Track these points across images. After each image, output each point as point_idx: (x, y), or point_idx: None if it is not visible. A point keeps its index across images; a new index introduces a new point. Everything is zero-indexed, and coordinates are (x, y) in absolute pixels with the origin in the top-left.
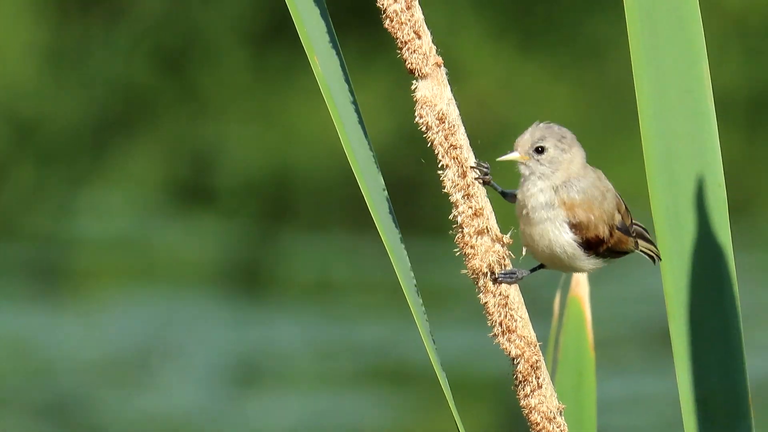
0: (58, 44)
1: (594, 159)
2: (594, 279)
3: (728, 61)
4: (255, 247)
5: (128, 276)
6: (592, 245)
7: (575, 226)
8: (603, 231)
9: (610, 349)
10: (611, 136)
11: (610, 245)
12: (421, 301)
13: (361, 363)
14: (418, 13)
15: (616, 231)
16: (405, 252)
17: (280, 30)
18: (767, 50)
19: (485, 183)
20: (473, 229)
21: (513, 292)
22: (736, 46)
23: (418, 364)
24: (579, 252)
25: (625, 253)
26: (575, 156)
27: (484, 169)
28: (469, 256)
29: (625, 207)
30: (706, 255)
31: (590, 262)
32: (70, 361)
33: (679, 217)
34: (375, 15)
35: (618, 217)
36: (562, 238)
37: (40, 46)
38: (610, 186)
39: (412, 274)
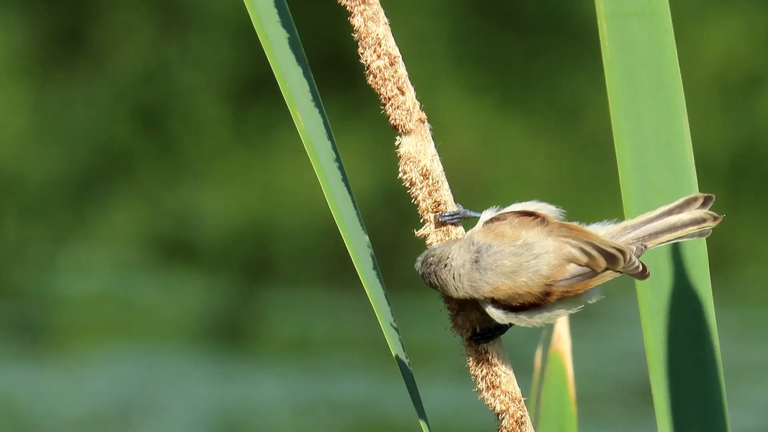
0: (39, 101)
1: (572, 215)
2: (575, 335)
3: (708, 118)
4: (236, 304)
5: (109, 332)
6: (527, 307)
7: (497, 302)
8: (531, 297)
9: (591, 404)
10: (589, 193)
11: (553, 300)
12: (406, 355)
13: (341, 419)
14: (402, 69)
15: (559, 286)
16: (389, 308)
17: (260, 87)
18: (747, 107)
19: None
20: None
21: (496, 347)
22: (717, 103)
23: (399, 421)
24: (520, 315)
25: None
26: (455, 259)
27: (456, 218)
28: (454, 312)
29: (597, 247)
30: (687, 310)
31: (546, 315)
32: (52, 417)
33: (660, 273)
34: (354, 71)
35: (569, 270)
36: (495, 313)
37: (22, 102)
38: (547, 245)
39: (397, 330)
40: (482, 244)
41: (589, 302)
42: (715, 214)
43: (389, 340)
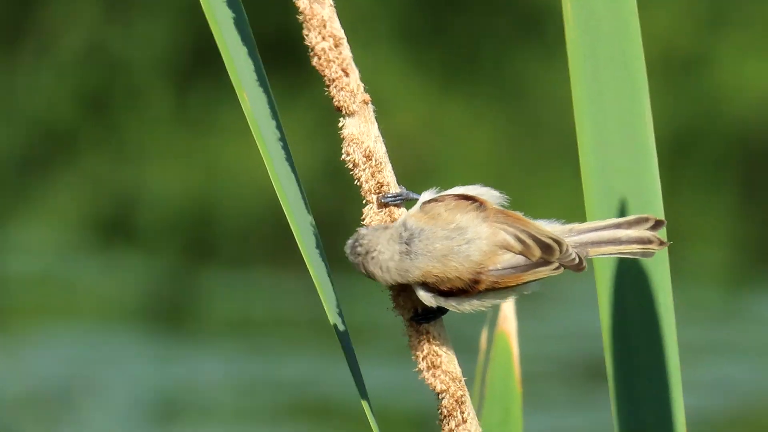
0: None
1: (516, 197)
2: (522, 315)
3: (651, 98)
4: (177, 284)
5: (51, 313)
6: (455, 293)
7: (427, 285)
8: (460, 283)
9: (537, 385)
10: (533, 174)
11: (482, 288)
12: (348, 334)
13: (282, 399)
14: (347, 51)
15: (489, 275)
16: (332, 287)
17: (203, 67)
18: (689, 87)
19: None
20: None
21: (437, 328)
22: (659, 83)
23: (340, 400)
24: (449, 300)
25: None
26: (377, 246)
27: (398, 199)
28: (395, 293)
29: (536, 240)
30: (644, 289)
31: (476, 303)
32: None
33: None
34: (299, 52)
35: (502, 258)
36: (424, 296)
37: None
38: (481, 232)
39: (339, 310)
40: (414, 229)
41: (525, 293)
42: (662, 239)
43: (331, 320)
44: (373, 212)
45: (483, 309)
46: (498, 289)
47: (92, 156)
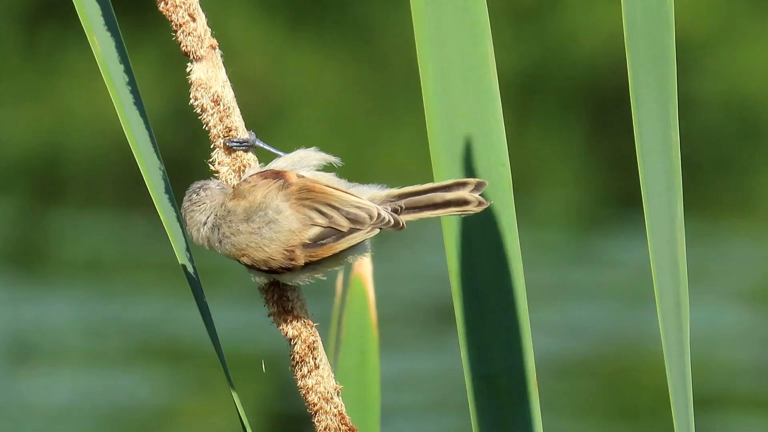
0: None
1: (364, 139)
2: (376, 258)
3: (499, 38)
4: (26, 226)
5: None
6: (280, 271)
7: (252, 267)
8: (276, 263)
9: (392, 328)
10: (380, 115)
11: (301, 263)
12: (198, 276)
13: (133, 341)
14: None
15: (302, 251)
16: (182, 231)
17: (51, 9)
18: (539, 29)
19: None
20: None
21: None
22: (507, 24)
23: (191, 342)
24: (280, 276)
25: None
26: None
27: (244, 145)
28: None
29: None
30: (491, 233)
31: (308, 275)
32: None
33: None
34: None
35: (310, 233)
36: (256, 278)
37: None
38: (282, 208)
39: (189, 253)
40: (226, 210)
41: (353, 257)
42: (482, 199)
43: (181, 262)
44: (222, 157)
45: (319, 279)
46: (320, 261)
47: None
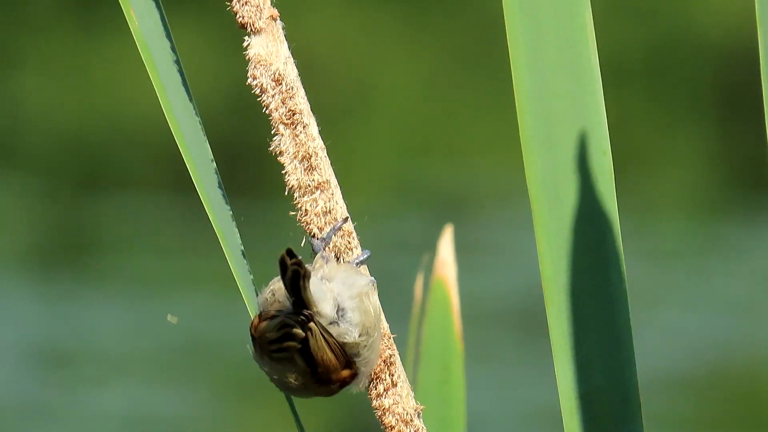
0: None
1: (463, 121)
2: (461, 261)
3: (615, 17)
4: (66, 212)
5: None
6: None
7: None
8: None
9: (479, 339)
10: (466, 93)
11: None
12: (253, 281)
13: (180, 345)
14: None
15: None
16: (237, 232)
17: None
18: (659, 8)
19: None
20: (315, 206)
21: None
22: (626, 3)
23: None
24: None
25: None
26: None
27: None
28: (311, 231)
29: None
30: (590, 233)
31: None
32: None
33: (558, 190)
34: None
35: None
36: None
37: None
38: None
39: (246, 262)
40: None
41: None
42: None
43: (233, 266)
44: (287, 144)
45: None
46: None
47: None
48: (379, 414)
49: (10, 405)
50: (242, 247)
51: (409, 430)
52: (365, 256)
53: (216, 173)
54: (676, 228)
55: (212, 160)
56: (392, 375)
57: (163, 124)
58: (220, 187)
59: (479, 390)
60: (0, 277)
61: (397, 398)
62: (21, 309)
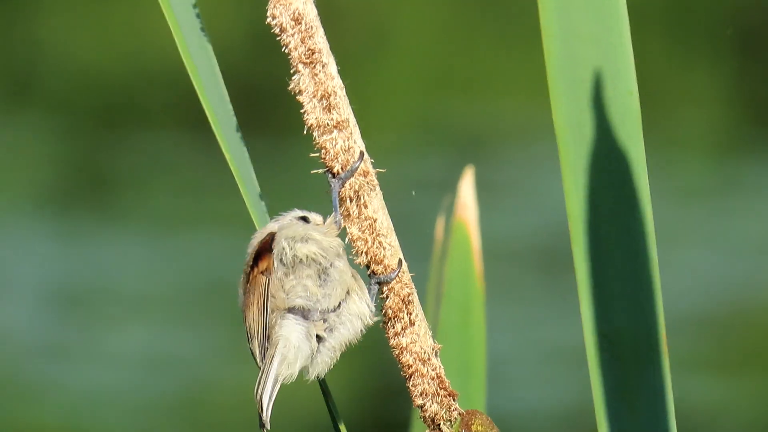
0: None
1: (477, 71)
2: (482, 199)
3: None
4: (88, 150)
5: None
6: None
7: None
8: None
9: (499, 279)
10: (498, 33)
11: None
12: (269, 218)
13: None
14: None
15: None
16: (253, 172)
17: None
18: None
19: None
20: (334, 144)
21: (381, 214)
22: None
23: None
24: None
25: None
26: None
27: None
28: (331, 167)
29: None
30: (616, 172)
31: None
32: None
33: (584, 130)
34: None
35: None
36: None
37: None
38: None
39: (263, 202)
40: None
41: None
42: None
43: (252, 214)
44: (306, 83)
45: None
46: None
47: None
48: (396, 353)
49: (29, 345)
50: (259, 189)
51: (426, 368)
52: (359, 162)
53: (233, 115)
54: (697, 167)
55: (228, 101)
56: (410, 314)
57: (182, 64)
58: (237, 129)
59: (500, 330)
60: (19, 216)
61: (414, 337)
62: (40, 248)
